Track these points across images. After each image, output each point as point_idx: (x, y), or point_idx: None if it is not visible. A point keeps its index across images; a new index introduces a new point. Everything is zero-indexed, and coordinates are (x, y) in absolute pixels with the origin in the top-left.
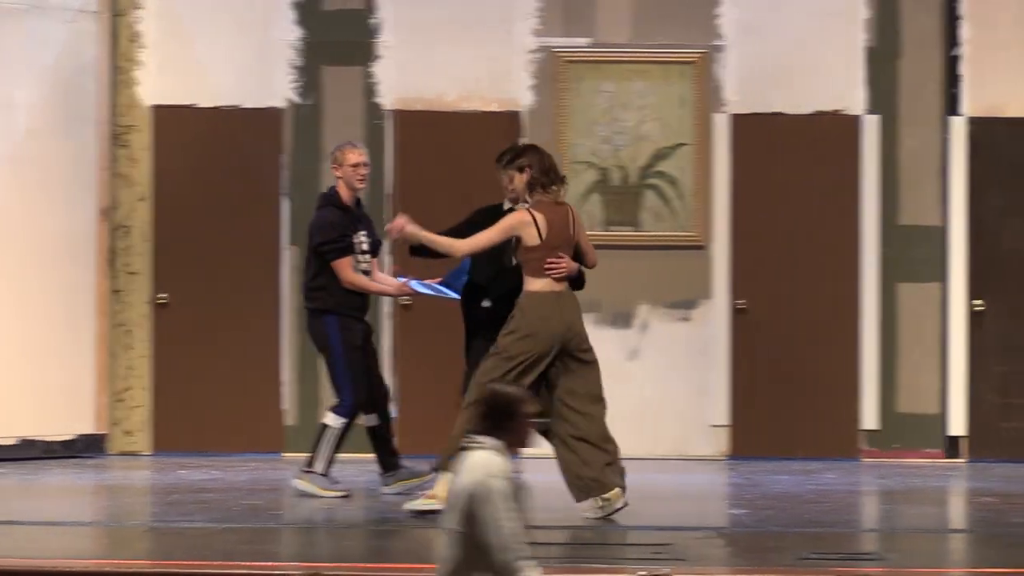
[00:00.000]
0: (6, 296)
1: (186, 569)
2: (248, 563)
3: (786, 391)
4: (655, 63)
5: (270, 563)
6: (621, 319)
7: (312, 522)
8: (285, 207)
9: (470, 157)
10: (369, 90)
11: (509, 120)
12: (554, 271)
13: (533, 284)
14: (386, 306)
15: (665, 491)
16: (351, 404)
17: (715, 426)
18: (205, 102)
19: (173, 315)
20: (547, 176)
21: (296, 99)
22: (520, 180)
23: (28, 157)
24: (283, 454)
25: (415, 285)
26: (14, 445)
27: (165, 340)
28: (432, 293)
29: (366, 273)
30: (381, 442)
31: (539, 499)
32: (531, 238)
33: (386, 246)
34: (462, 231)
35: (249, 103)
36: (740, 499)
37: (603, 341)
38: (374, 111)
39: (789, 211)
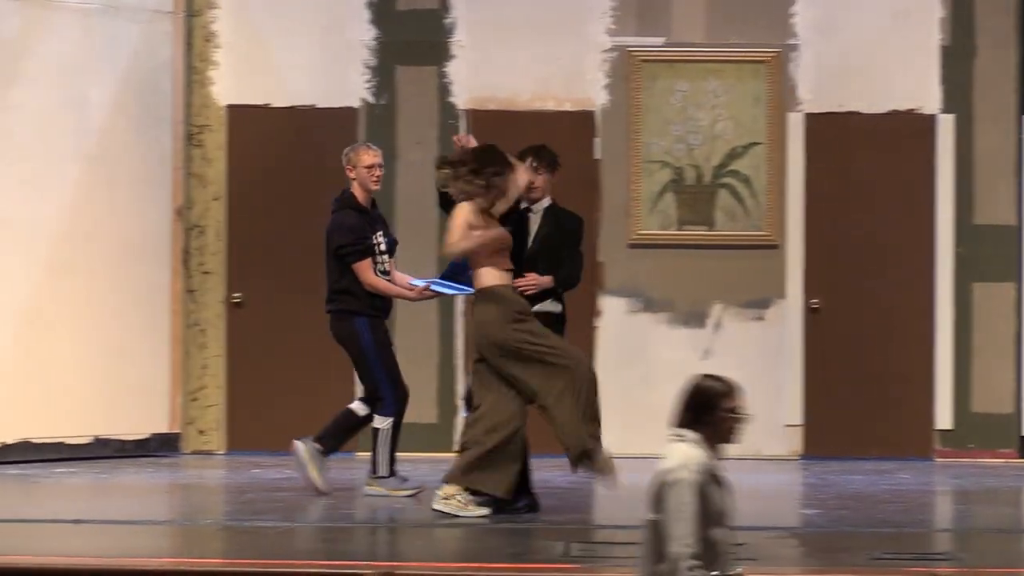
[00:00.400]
0: (81, 295)
1: (259, 568)
2: (321, 562)
3: (860, 391)
4: (729, 62)
5: (343, 562)
6: (694, 319)
7: (385, 521)
8: None
9: None
10: (443, 90)
11: (583, 119)
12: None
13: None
14: (459, 305)
15: (738, 491)
16: (393, 401)
17: (788, 426)
18: (280, 102)
19: (247, 314)
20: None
21: (370, 99)
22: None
23: (103, 156)
24: (356, 454)
25: (437, 287)
26: (88, 444)
27: (239, 339)
28: (453, 292)
29: (385, 273)
30: (349, 430)
31: (615, 499)
32: None
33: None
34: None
35: (323, 103)
36: (813, 499)
37: (676, 341)
38: (448, 111)
39: (863, 210)
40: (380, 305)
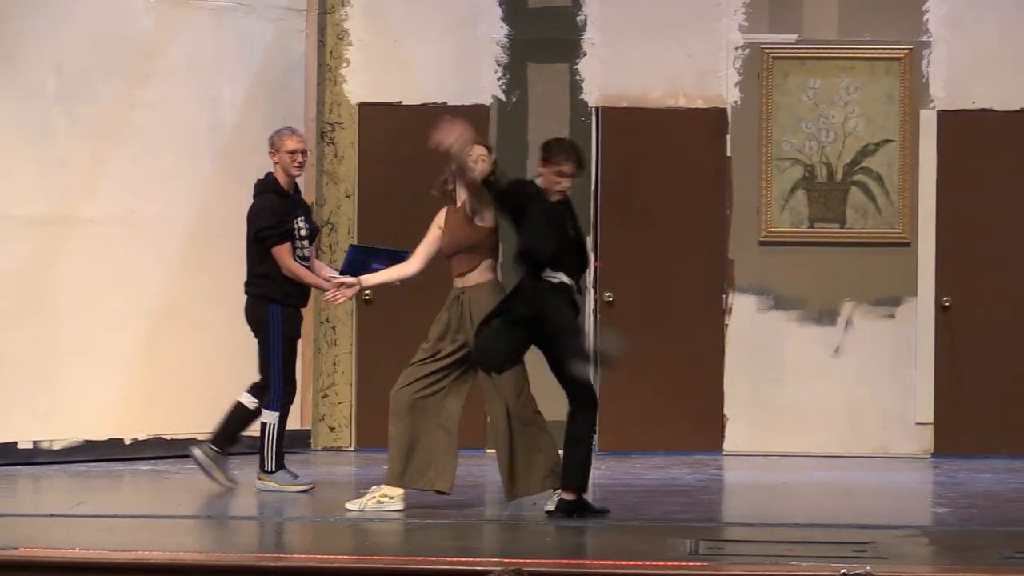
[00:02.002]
0: (211, 292)
1: (389, 564)
2: (450, 559)
3: (991, 389)
4: (862, 59)
5: (472, 559)
6: (826, 316)
7: (515, 518)
8: None
9: (675, 154)
10: (575, 87)
11: (714, 117)
12: None
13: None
14: (590, 302)
15: (868, 489)
16: (280, 396)
17: (919, 424)
18: (411, 99)
19: (377, 311)
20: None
21: (502, 96)
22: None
23: (235, 154)
24: (486, 450)
25: (366, 279)
26: None
27: (369, 336)
28: (384, 280)
29: (304, 260)
30: (241, 424)
31: (744, 497)
32: None
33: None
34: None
35: (455, 100)
36: (943, 497)
37: (808, 338)
38: (579, 108)
39: (996, 208)
40: (297, 293)
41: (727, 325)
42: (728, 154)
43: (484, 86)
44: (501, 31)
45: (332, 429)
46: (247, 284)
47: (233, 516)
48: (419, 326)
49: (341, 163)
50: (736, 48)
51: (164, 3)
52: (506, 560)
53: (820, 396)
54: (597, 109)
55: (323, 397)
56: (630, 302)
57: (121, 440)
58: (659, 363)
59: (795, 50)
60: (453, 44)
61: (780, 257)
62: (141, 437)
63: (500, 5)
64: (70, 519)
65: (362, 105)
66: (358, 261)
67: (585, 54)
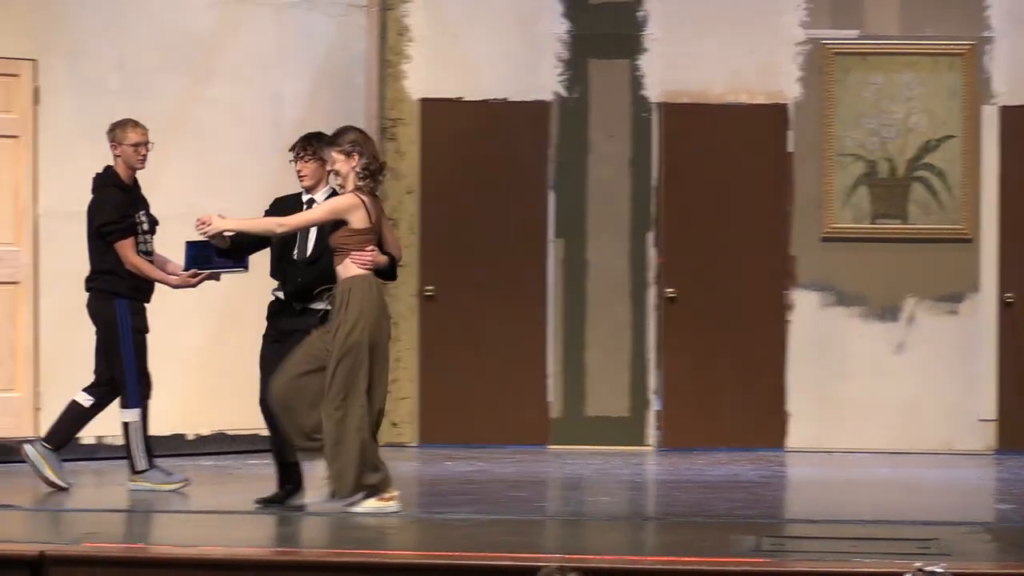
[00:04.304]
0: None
1: (451, 560)
2: (513, 555)
3: None
4: (924, 55)
5: (534, 555)
6: (888, 313)
7: (577, 514)
8: (551, 200)
9: (736, 150)
10: (635, 83)
11: (776, 113)
12: (364, 262)
13: (356, 269)
14: (652, 298)
15: (931, 485)
16: (137, 393)
17: (982, 420)
18: (472, 95)
19: (439, 307)
20: (378, 164)
21: (563, 92)
22: (346, 164)
23: None
24: (548, 446)
25: (208, 268)
26: None
27: (431, 332)
28: (224, 271)
29: (148, 254)
30: (76, 423)
31: (806, 493)
32: (361, 221)
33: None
34: None
35: (516, 96)
36: (1007, 494)
37: (869, 335)
38: (640, 104)
39: None
40: (142, 287)
41: (789, 321)
42: (790, 150)
43: (545, 82)
44: (562, 27)
45: (395, 425)
46: (88, 280)
47: (293, 512)
48: (481, 322)
49: (403, 159)
50: (797, 44)
51: (227, 0)
52: (567, 556)
53: (883, 392)
54: (658, 105)
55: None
56: (692, 298)
57: (183, 436)
58: (721, 359)
59: (857, 46)
60: (514, 40)
61: (842, 253)
62: (204, 433)
63: (561, 1)
64: (133, 514)
65: (423, 101)
66: (201, 256)
67: (646, 50)
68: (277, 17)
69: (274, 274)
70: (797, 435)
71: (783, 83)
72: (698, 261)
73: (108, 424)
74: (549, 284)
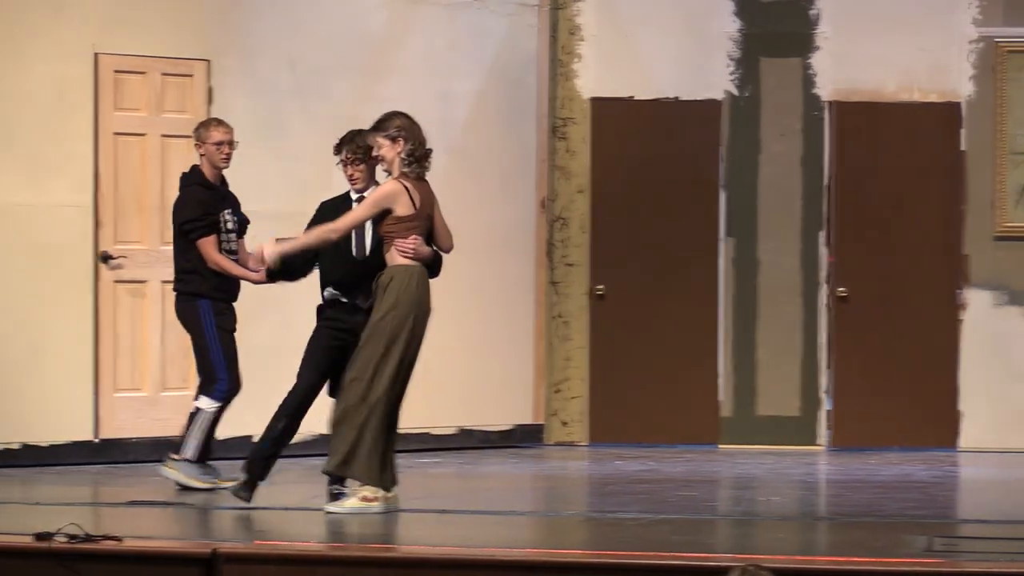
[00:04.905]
0: (447, 287)
1: (621, 560)
2: (683, 554)
3: None
4: None
5: (705, 555)
6: None
7: (748, 514)
8: (722, 199)
9: (908, 149)
10: (807, 81)
11: (948, 111)
12: (407, 252)
13: (401, 259)
14: (823, 297)
15: None
16: (226, 388)
17: None
18: (644, 94)
19: (610, 306)
20: (424, 149)
21: (734, 91)
22: (391, 150)
23: (468, 149)
24: (719, 446)
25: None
26: (452, 435)
27: (601, 331)
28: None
29: (232, 253)
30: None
31: (979, 494)
32: (405, 207)
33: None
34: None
35: (687, 95)
36: None
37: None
38: (812, 103)
39: None
40: (225, 287)
41: (961, 320)
42: (962, 148)
43: (716, 81)
44: (733, 25)
45: (565, 424)
46: (175, 282)
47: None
48: (652, 321)
49: (573, 158)
50: (970, 42)
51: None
52: (740, 556)
53: None
54: (830, 104)
55: (556, 392)
56: (864, 297)
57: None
58: (893, 358)
59: None
60: (685, 38)
61: (1015, 252)
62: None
63: None
64: (304, 512)
65: (594, 100)
66: None
67: (818, 48)
68: (448, 16)
69: (329, 274)
70: (969, 435)
71: (955, 81)
72: (870, 260)
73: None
74: (720, 283)
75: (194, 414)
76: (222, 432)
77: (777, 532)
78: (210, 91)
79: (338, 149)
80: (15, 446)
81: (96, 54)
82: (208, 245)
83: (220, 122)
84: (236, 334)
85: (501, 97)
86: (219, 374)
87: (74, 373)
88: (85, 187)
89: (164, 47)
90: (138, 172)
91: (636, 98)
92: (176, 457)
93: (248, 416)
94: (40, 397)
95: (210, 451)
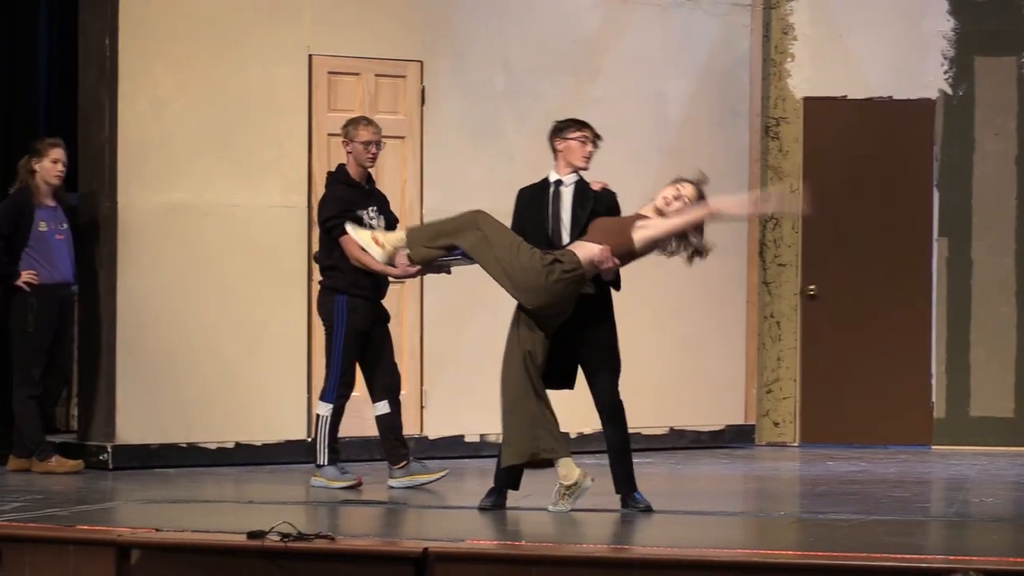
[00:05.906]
0: (658, 287)
1: (832, 560)
2: (895, 556)
3: None
4: None
5: (917, 556)
6: None
7: (961, 515)
8: (936, 199)
9: None
10: (1022, 80)
11: None
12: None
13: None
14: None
15: None
16: (334, 387)
17: None
18: (856, 94)
19: (821, 306)
20: None
21: (948, 90)
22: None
23: (680, 149)
24: (932, 447)
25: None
26: (664, 435)
27: (813, 331)
28: (454, 261)
29: None
30: (390, 431)
31: None
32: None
33: None
34: (517, 221)
35: (900, 94)
36: None
37: None
38: None
39: None
40: (366, 284)
41: None
42: None
43: (930, 80)
44: (947, 24)
45: (776, 424)
46: (320, 279)
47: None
48: (864, 321)
49: (786, 158)
50: None
51: (611, 0)
52: (952, 557)
53: None
54: None
55: (767, 392)
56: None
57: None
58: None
59: None
60: (898, 38)
61: None
62: (586, 432)
63: None
64: (512, 512)
65: (807, 100)
66: None
67: None
68: (661, 17)
69: None
70: None
71: None
72: None
73: (491, 421)
74: (933, 283)
75: (316, 420)
76: (439, 431)
77: (990, 534)
78: (423, 92)
79: (586, 125)
80: (229, 445)
81: (310, 55)
82: (349, 241)
83: (369, 121)
84: (430, 331)
85: (713, 97)
86: (331, 375)
87: (288, 373)
88: (299, 188)
89: (377, 48)
90: None
91: (849, 97)
92: (317, 465)
93: (464, 416)
94: (255, 397)
95: (338, 451)
